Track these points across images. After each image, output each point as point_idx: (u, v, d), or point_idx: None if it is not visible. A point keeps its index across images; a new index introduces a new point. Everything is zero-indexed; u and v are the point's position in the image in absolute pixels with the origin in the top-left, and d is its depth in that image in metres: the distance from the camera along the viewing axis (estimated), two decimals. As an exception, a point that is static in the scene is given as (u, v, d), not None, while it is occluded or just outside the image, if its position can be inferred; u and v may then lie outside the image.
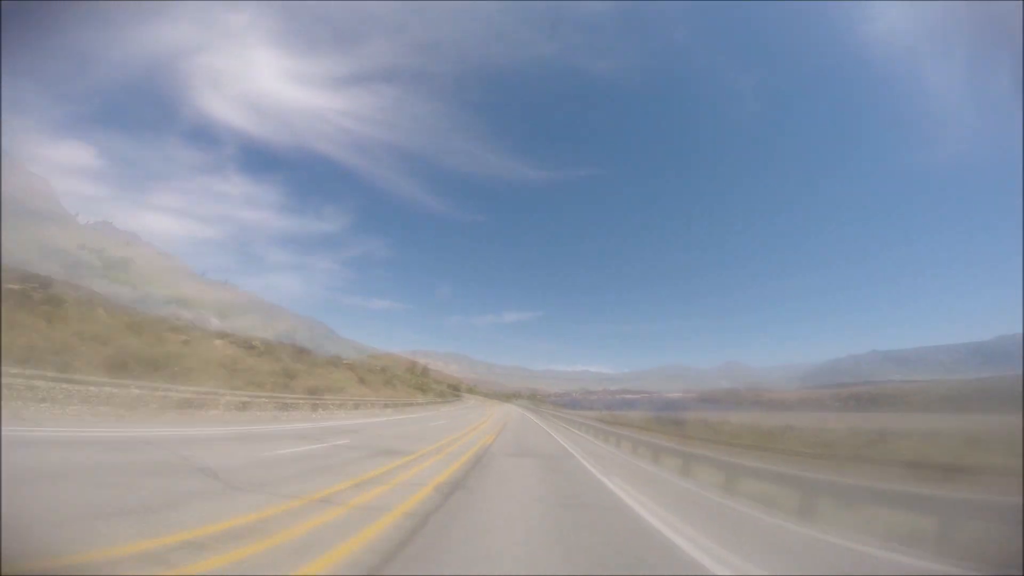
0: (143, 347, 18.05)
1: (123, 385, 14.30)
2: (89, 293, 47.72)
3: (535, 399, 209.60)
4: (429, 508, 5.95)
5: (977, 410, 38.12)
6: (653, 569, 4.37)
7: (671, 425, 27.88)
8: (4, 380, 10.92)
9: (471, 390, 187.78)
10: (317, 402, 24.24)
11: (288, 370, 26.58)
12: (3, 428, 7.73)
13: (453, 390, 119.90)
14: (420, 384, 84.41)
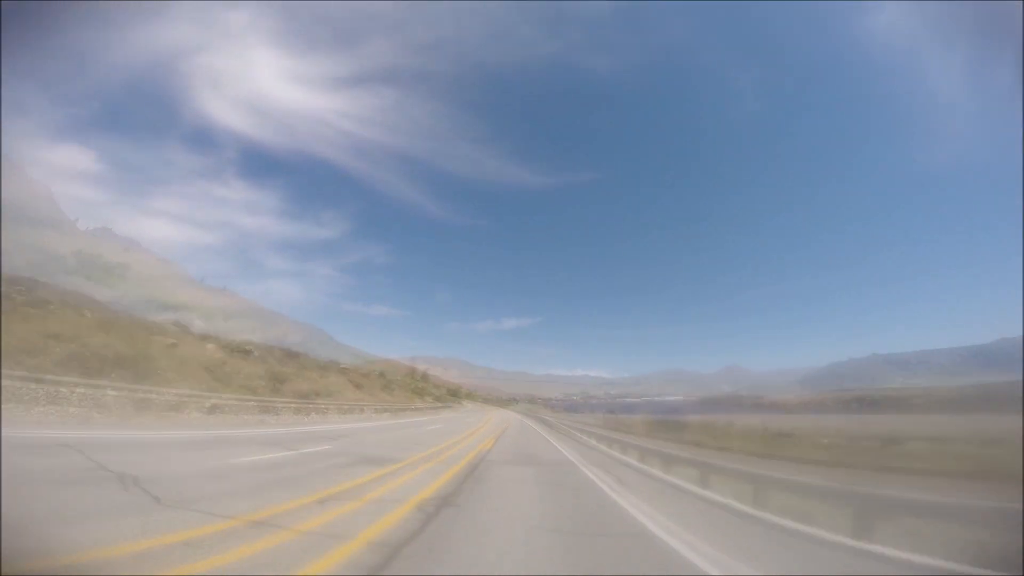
0: (122, 348, 17.09)
1: (97, 386, 13.61)
2: (80, 297, 47.16)
3: (535, 404, 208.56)
4: (403, 536, 4.65)
5: (979, 413, 37.85)
6: None
7: (674, 430, 26.83)
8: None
9: (470, 395, 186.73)
10: (309, 406, 23.50)
11: (278, 374, 25.66)
12: None
13: (452, 395, 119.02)
14: (419, 389, 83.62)
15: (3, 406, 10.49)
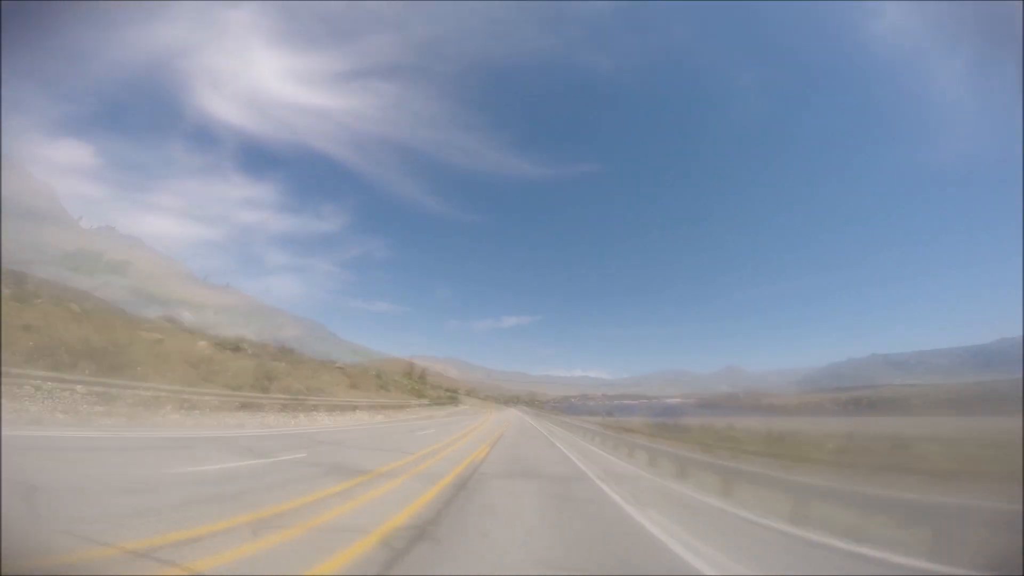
0: (99, 340, 16.15)
1: (64, 381, 12.72)
2: (76, 293, 46.86)
3: (534, 404, 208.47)
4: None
5: (980, 414, 37.76)
6: None
7: (678, 431, 26.37)
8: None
9: (469, 394, 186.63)
10: (298, 405, 22.88)
11: (267, 371, 24.76)
12: None
13: (451, 394, 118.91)
14: (417, 388, 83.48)
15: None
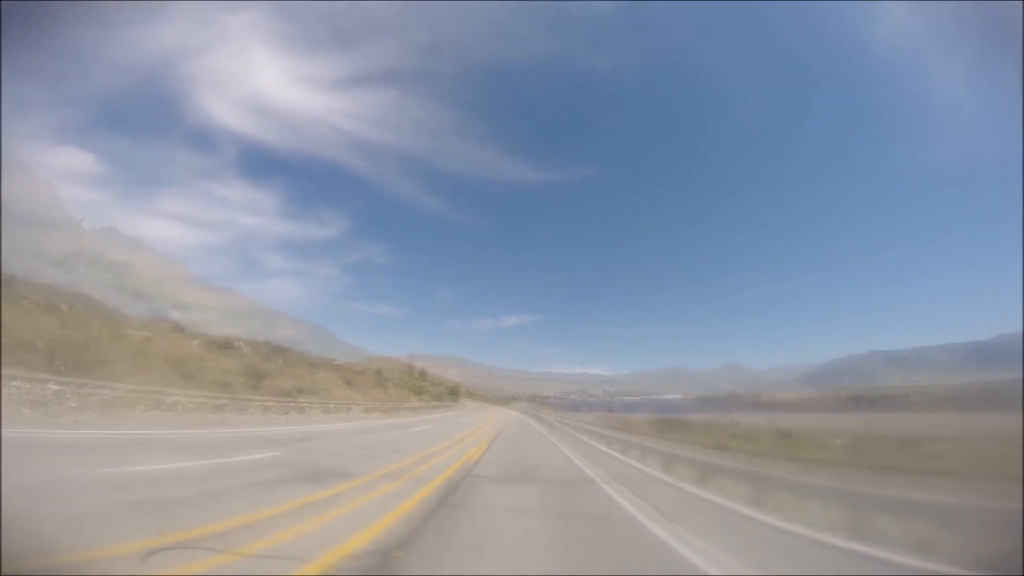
0: (77, 338, 15.47)
1: (38, 380, 12.31)
2: (69, 295, 46.70)
3: (535, 402, 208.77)
4: None
5: (981, 411, 37.56)
6: None
7: (684, 429, 25.55)
8: None
9: (470, 394, 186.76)
10: (289, 404, 22.45)
11: (257, 370, 24.22)
12: None
13: (451, 393, 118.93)
14: (416, 387, 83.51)
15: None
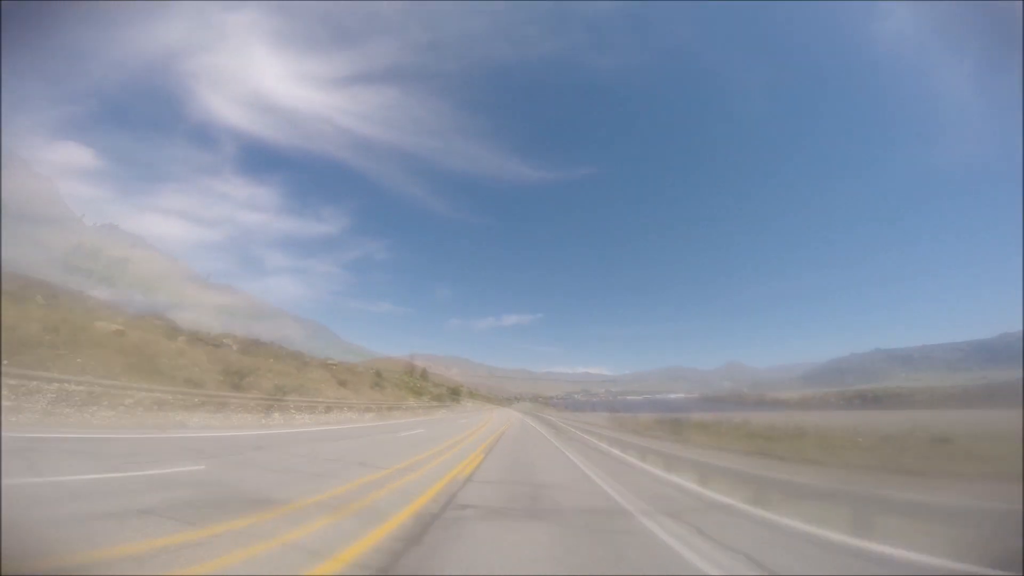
0: (32, 330, 14.09)
1: None
2: (46, 287, 45.44)
3: (538, 402, 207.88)
4: None
5: (987, 408, 36.98)
6: None
7: (698, 431, 23.76)
8: None
9: (472, 393, 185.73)
10: (274, 404, 21.11)
11: (238, 367, 22.75)
12: None
13: (452, 393, 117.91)
14: (416, 387, 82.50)
15: None
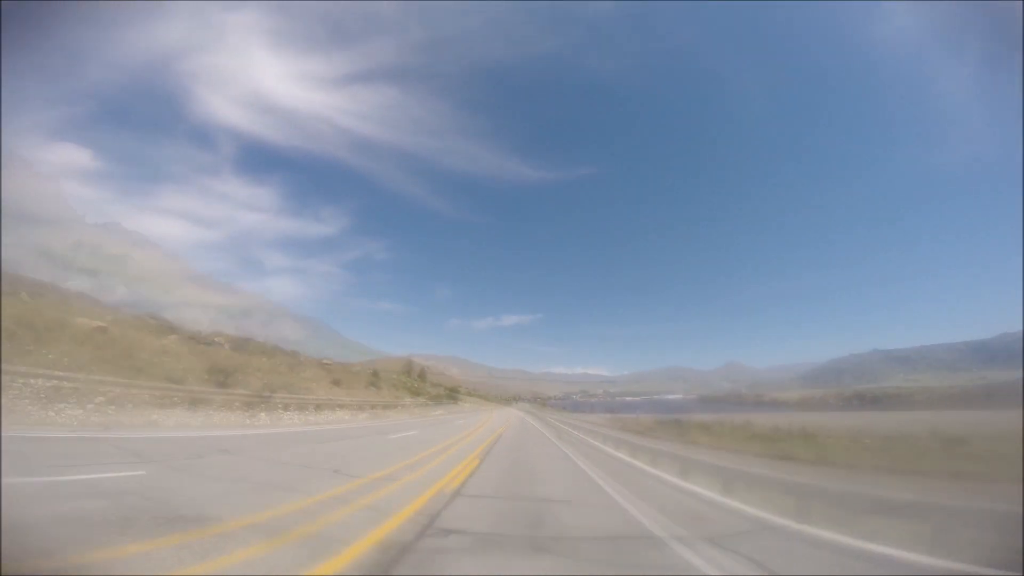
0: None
1: None
2: (34, 284, 44.87)
3: (537, 402, 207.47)
4: None
5: (984, 408, 36.78)
6: None
7: (707, 433, 22.80)
8: None
9: (471, 393, 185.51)
10: (262, 402, 20.60)
11: (224, 365, 22.07)
12: None
13: (451, 393, 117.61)
14: (414, 386, 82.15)
15: None
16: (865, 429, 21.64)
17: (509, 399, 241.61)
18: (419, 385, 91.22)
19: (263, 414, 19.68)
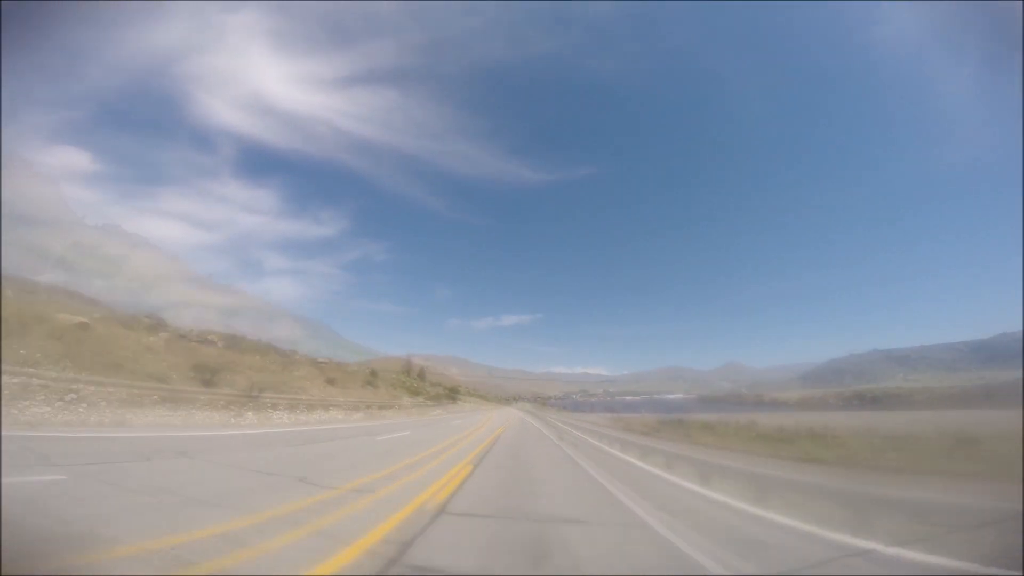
0: None
1: None
2: (21, 281, 44.23)
3: (537, 402, 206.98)
4: None
5: (984, 408, 36.61)
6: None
7: (713, 433, 21.87)
8: None
9: (470, 393, 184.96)
10: (250, 401, 20.05)
11: (210, 364, 21.43)
12: None
13: (450, 392, 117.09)
14: (413, 386, 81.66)
15: None
16: (870, 429, 20.86)
17: (509, 399, 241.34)
18: (418, 385, 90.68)
19: (251, 413, 19.11)
